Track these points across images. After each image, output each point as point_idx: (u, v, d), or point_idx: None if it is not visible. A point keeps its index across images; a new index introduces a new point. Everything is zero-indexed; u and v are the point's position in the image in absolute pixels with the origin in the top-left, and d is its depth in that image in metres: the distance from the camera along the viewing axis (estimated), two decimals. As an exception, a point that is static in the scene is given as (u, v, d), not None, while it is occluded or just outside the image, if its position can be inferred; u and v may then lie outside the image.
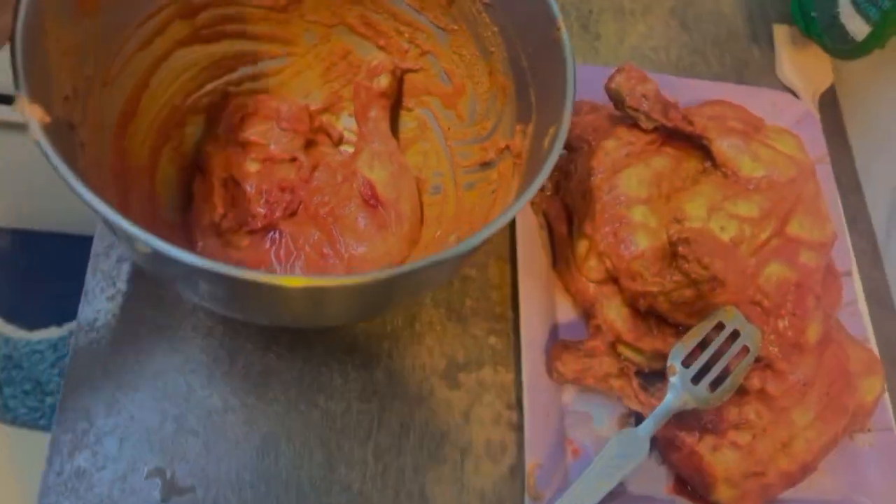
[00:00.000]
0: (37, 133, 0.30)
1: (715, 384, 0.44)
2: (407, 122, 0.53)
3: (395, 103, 0.53)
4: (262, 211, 0.48)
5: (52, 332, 1.22)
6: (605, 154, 0.50)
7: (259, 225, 0.48)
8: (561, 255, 0.51)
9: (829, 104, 0.66)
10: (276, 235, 0.49)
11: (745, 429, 0.45)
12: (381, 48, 0.51)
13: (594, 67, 0.60)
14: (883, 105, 0.62)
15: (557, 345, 0.48)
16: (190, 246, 0.46)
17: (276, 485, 0.44)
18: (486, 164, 0.47)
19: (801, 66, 0.66)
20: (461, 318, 0.51)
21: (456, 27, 0.47)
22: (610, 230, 0.46)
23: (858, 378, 0.48)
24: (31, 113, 0.31)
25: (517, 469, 0.47)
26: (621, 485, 0.47)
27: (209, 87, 0.50)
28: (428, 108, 0.52)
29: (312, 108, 0.52)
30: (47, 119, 0.31)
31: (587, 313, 0.49)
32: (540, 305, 0.50)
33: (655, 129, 0.51)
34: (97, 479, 0.42)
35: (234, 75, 0.51)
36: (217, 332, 0.47)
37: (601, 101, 0.54)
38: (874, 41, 0.54)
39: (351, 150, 0.53)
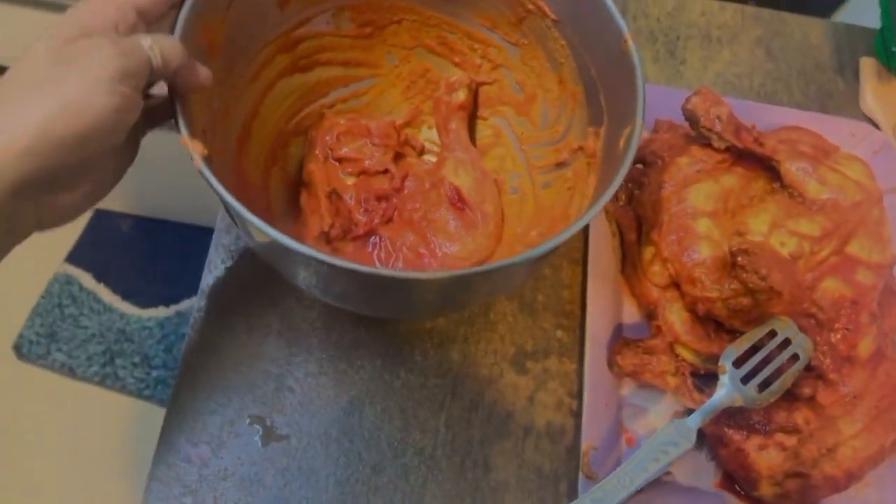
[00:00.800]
0: (199, 165, 0.37)
1: (763, 387, 0.47)
2: (483, 129, 0.58)
3: (472, 114, 0.58)
4: (362, 219, 0.54)
5: (161, 312, 1.33)
6: (677, 169, 0.54)
7: (361, 231, 0.54)
8: (629, 261, 0.55)
9: (912, 137, 0.68)
10: (377, 240, 0.54)
11: (792, 432, 0.48)
12: (457, 65, 0.56)
13: (675, 90, 0.64)
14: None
15: (619, 341, 0.52)
16: None
17: (358, 441, 0.50)
18: (560, 164, 0.52)
19: (885, 98, 0.68)
20: (532, 311, 0.56)
21: (526, 41, 0.52)
22: (675, 238, 0.50)
23: (912, 397, 0.50)
24: (193, 148, 0.37)
25: (574, 451, 0.51)
26: (671, 475, 0.50)
27: (307, 110, 0.56)
28: (503, 117, 0.57)
29: (397, 122, 0.58)
30: (206, 152, 0.38)
31: (650, 315, 0.53)
32: (605, 304, 0.54)
33: (727, 150, 0.54)
34: (210, 420, 0.50)
35: (328, 98, 0.57)
36: (317, 306, 0.54)
37: (678, 122, 0.58)
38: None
39: (433, 159, 0.58)
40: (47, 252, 1.34)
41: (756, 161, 0.54)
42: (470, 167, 0.54)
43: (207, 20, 0.42)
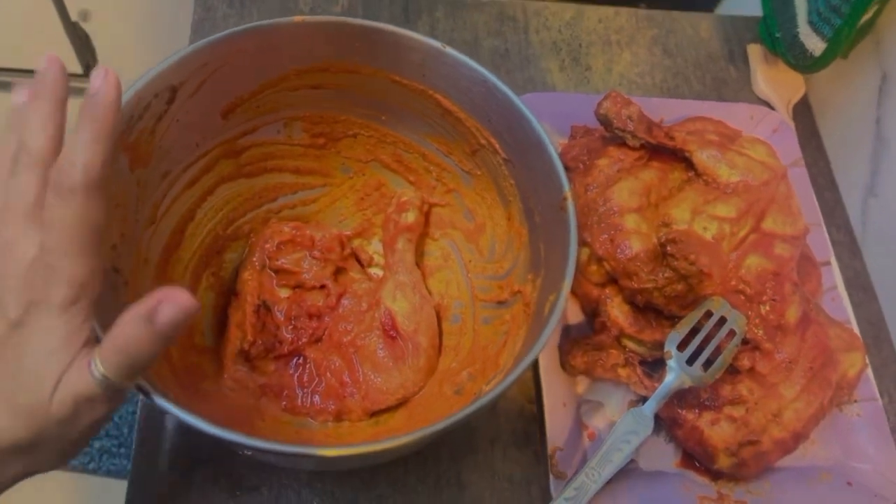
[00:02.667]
0: None
1: (707, 365, 0.50)
2: (433, 250, 0.57)
3: (422, 233, 0.56)
4: (289, 337, 0.51)
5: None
6: (598, 171, 0.57)
7: (285, 350, 0.51)
8: (566, 263, 0.57)
9: (804, 113, 0.73)
10: (301, 361, 0.52)
11: (738, 403, 0.51)
12: (412, 183, 0.56)
13: (585, 95, 0.67)
14: (850, 110, 0.68)
15: (568, 342, 0.54)
16: (221, 370, 0.49)
17: (329, 482, 0.50)
18: (501, 303, 0.51)
19: (775, 80, 0.73)
20: (482, 325, 0.57)
21: (479, 172, 0.51)
22: (607, 237, 0.53)
23: (840, 354, 0.54)
24: None
25: (541, 455, 0.53)
26: (633, 462, 0.53)
27: (250, 214, 0.54)
28: (452, 240, 0.56)
29: (346, 233, 0.56)
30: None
31: (593, 313, 0.55)
32: (551, 309, 0.56)
33: (642, 147, 0.57)
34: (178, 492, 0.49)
35: (275, 204, 0.55)
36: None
37: (593, 125, 0.61)
38: (830, 55, 0.60)
39: (379, 273, 0.57)
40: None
41: (670, 154, 0.58)
42: (409, 292, 0.52)
43: (129, 135, 0.41)
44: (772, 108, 0.71)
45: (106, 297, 0.37)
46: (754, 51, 0.75)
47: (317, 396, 0.51)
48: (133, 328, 0.31)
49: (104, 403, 0.33)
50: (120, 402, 0.33)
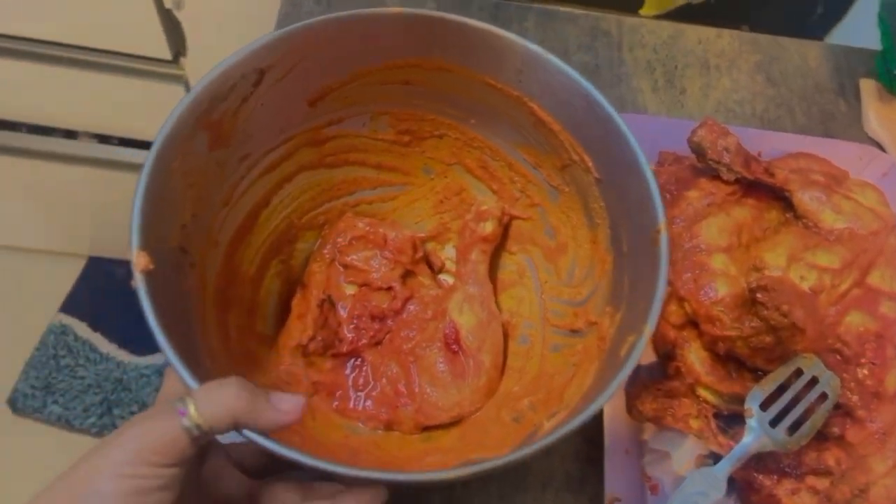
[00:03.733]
0: (137, 280, 0.34)
1: (793, 428, 0.45)
2: (508, 264, 0.54)
3: (499, 245, 0.54)
4: (349, 336, 0.50)
5: (158, 359, 1.31)
6: (686, 203, 0.52)
7: (344, 350, 0.50)
8: (642, 299, 0.54)
9: (919, 157, 0.67)
10: (358, 362, 0.50)
11: (823, 474, 0.46)
12: (494, 192, 0.53)
13: (677, 120, 0.63)
14: (974, 159, 0.62)
15: (637, 385, 0.50)
16: (277, 361, 0.48)
17: None
18: (574, 332, 0.48)
19: (889, 119, 0.67)
20: (545, 355, 0.54)
21: (567, 189, 0.48)
22: (690, 276, 0.49)
23: (944, 430, 0.49)
24: (135, 260, 0.34)
25: (596, 501, 0.49)
26: (699, 524, 0.48)
27: (326, 206, 0.53)
28: (530, 257, 0.53)
29: (421, 235, 0.54)
30: (150, 267, 0.34)
31: (667, 356, 0.51)
32: (621, 346, 0.52)
33: (737, 181, 0.53)
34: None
35: (352, 198, 0.53)
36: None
37: (683, 153, 0.57)
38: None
39: (450, 280, 0.54)
40: (41, 303, 1.32)
41: (767, 191, 0.53)
42: (478, 306, 0.50)
43: (213, 114, 0.40)
44: (883, 149, 0.65)
45: (170, 277, 0.37)
46: (867, 86, 0.69)
47: (370, 401, 0.49)
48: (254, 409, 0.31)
49: (161, 475, 0.30)
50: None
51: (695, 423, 0.49)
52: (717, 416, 0.49)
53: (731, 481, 0.48)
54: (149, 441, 0.29)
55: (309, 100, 0.46)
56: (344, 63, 0.45)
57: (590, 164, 0.44)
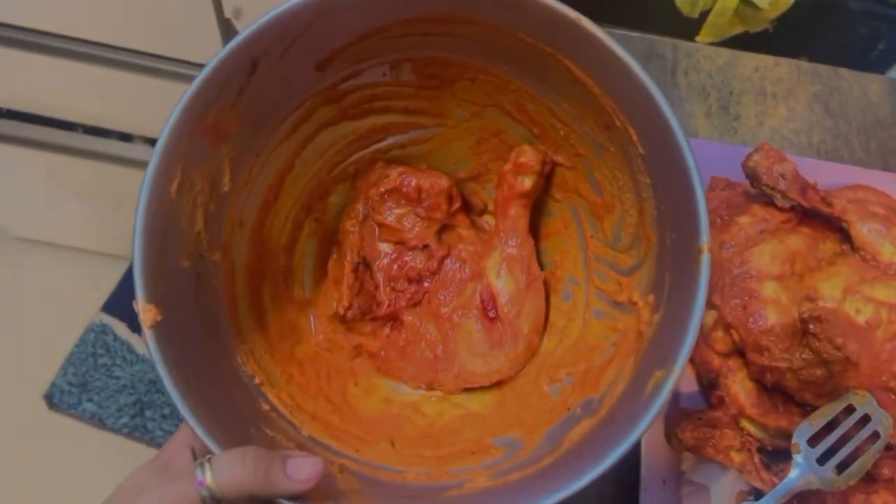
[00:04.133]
0: (147, 337, 0.34)
1: (841, 468, 0.43)
2: (553, 211, 0.52)
3: (542, 193, 0.51)
4: (386, 300, 0.50)
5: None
6: (738, 229, 0.51)
7: (381, 313, 0.50)
8: (687, 325, 0.52)
9: (984, 197, 0.64)
10: (397, 324, 0.50)
11: (873, 519, 0.44)
12: (536, 136, 0.49)
13: (730, 146, 0.61)
14: None
15: (678, 412, 0.49)
16: (317, 329, 0.48)
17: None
18: (617, 304, 0.45)
19: (953, 156, 0.65)
20: (583, 376, 0.53)
21: (613, 149, 0.44)
22: (739, 303, 0.47)
23: None
24: (143, 316, 0.34)
25: (630, 531, 0.47)
26: (737, 562, 0.46)
27: (356, 156, 0.50)
28: (575, 207, 0.50)
29: (459, 175, 0.52)
30: (159, 319, 0.34)
31: (710, 384, 0.50)
32: (662, 372, 0.51)
33: (791, 209, 0.51)
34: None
35: (383, 144, 0.51)
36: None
37: (736, 179, 0.55)
38: None
39: (492, 221, 0.52)
40: (84, 301, 1.35)
41: (823, 221, 0.51)
42: (517, 268, 0.49)
43: (207, 118, 0.38)
44: (946, 187, 0.63)
45: (187, 288, 0.37)
46: (932, 121, 0.67)
47: (411, 369, 0.49)
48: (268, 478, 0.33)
49: None
50: None
51: (737, 457, 0.47)
52: (760, 450, 0.47)
53: (774, 519, 0.46)
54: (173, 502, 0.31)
55: (316, 65, 0.43)
56: (345, 27, 0.42)
57: (634, 136, 0.40)
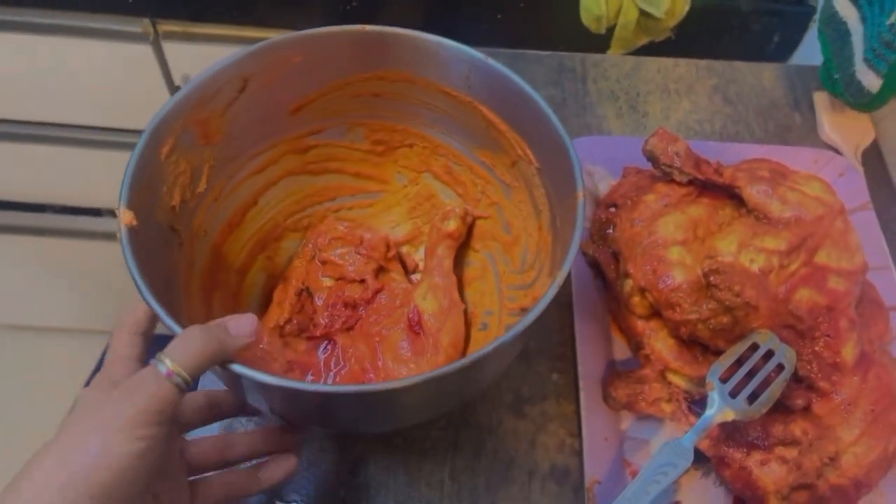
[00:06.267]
0: (121, 234, 0.39)
1: (753, 400, 0.48)
2: (473, 261, 0.59)
3: (465, 244, 0.59)
4: (323, 322, 0.55)
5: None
6: (645, 206, 0.57)
7: (318, 333, 0.55)
8: (611, 298, 0.57)
9: (875, 159, 0.70)
10: (330, 345, 0.55)
11: (791, 444, 0.48)
12: (459, 195, 0.58)
13: (640, 139, 0.67)
14: (922, 153, 0.66)
15: (611, 373, 0.53)
16: (256, 339, 0.53)
17: (364, 500, 0.51)
18: (524, 310, 0.51)
19: (842, 126, 0.71)
20: (526, 357, 0.57)
21: (517, 185, 0.53)
22: (650, 268, 0.52)
23: (908, 399, 0.51)
24: (121, 216, 0.39)
25: (580, 490, 0.51)
26: (679, 503, 0.50)
27: (310, 210, 0.58)
28: (491, 252, 0.57)
29: (396, 238, 0.60)
30: (134, 223, 0.39)
31: (638, 346, 0.54)
32: (595, 342, 0.56)
33: (691, 183, 0.57)
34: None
35: (333, 203, 0.59)
36: (316, 373, 0.56)
37: (646, 167, 0.61)
38: (887, 91, 0.59)
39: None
40: (67, 379, 1.36)
41: (721, 191, 0.57)
42: (441, 294, 0.54)
43: (201, 112, 0.46)
44: (839, 153, 0.69)
45: (158, 247, 0.42)
46: (821, 98, 0.73)
47: (339, 379, 0.53)
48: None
49: (163, 433, 0.34)
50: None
51: (667, 407, 0.52)
52: (688, 399, 0.52)
53: (706, 458, 0.50)
54: (150, 403, 0.33)
55: (290, 109, 0.52)
56: (318, 76, 0.51)
57: (531, 156, 0.49)
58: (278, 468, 0.43)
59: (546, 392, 0.56)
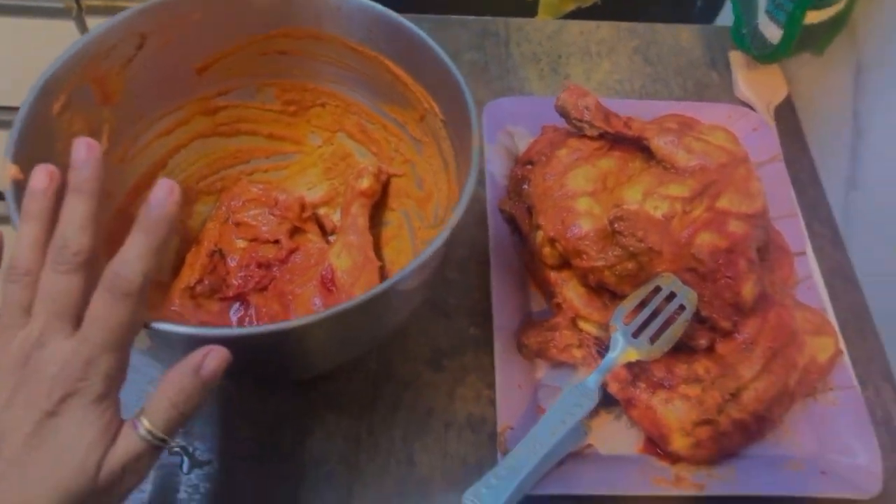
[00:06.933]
0: (6, 188, 0.38)
1: (656, 340, 0.49)
2: (391, 220, 0.59)
3: (381, 202, 0.59)
4: (236, 283, 0.55)
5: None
6: (558, 161, 0.57)
7: (231, 294, 0.54)
8: (527, 251, 0.58)
9: (788, 114, 0.72)
10: (243, 306, 0.54)
11: (694, 382, 0.50)
12: (374, 154, 0.58)
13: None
14: (829, 106, 0.68)
15: (524, 323, 0.54)
16: (168, 301, 0.52)
17: (281, 457, 0.51)
18: None
19: (756, 83, 0.73)
20: (445, 313, 0.58)
21: (427, 140, 0.53)
22: (559, 219, 0.53)
23: (807, 336, 0.52)
24: (6, 170, 0.38)
25: (495, 437, 0.52)
26: (592, 447, 0.52)
27: (224, 173, 0.58)
28: (406, 210, 0.58)
29: (313, 199, 0.59)
30: (20, 176, 0.38)
31: (550, 296, 0.55)
32: (510, 294, 0.56)
33: (602, 137, 0.58)
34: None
35: (248, 166, 0.59)
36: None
37: (563, 126, 0.62)
38: (787, 42, 0.61)
39: None
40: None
41: (632, 144, 0.58)
42: (356, 252, 0.54)
43: (97, 69, 0.45)
44: (754, 109, 0.71)
45: (57, 209, 0.39)
46: (736, 57, 0.75)
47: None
48: (184, 382, 0.35)
49: (148, 460, 0.35)
50: (157, 459, 0.36)
51: (578, 353, 0.53)
52: (599, 345, 0.53)
53: (616, 401, 0.51)
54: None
55: (195, 69, 0.52)
56: (221, 34, 0.51)
57: (436, 108, 0.50)
58: (213, 358, 0.36)
59: (465, 346, 0.56)
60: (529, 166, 0.60)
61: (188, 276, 0.53)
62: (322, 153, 0.60)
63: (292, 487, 0.50)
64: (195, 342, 0.36)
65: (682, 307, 0.50)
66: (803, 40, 0.64)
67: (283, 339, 0.38)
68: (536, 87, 0.73)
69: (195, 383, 0.35)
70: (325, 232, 0.60)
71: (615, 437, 0.52)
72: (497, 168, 0.63)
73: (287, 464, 0.51)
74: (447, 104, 0.49)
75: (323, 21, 0.51)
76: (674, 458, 0.50)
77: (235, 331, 0.36)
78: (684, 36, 0.78)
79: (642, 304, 0.50)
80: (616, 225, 0.51)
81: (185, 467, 0.50)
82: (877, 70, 0.61)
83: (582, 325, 0.53)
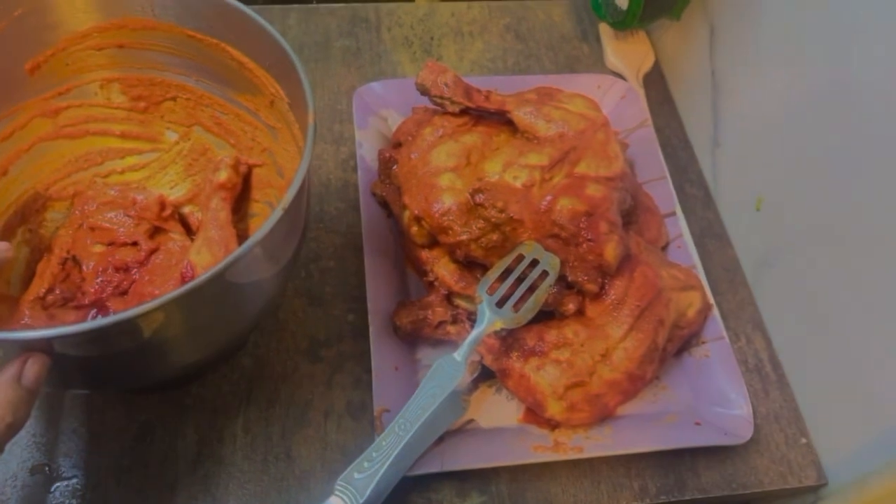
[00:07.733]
0: None
1: (520, 308, 0.49)
2: (256, 211, 0.57)
3: (246, 195, 0.56)
4: (92, 289, 0.52)
5: None
6: (422, 139, 0.57)
7: (86, 301, 0.52)
8: (400, 233, 0.57)
9: (657, 81, 0.74)
10: (101, 312, 0.52)
11: (563, 347, 0.50)
12: (233, 146, 0.56)
13: (429, 80, 0.68)
14: (690, 68, 0.69)
15: (398, 304, 0.54)
16: (18, 315, 0.50)
17: (152, 465, 0.49)
18: None
19: (625, 52, 0.74)
20: (322, 302, 0.57)
21: (280, 125, 0.51)
22: (422, 196, 0.53)
23: (674, 293, 0.53)
24: None
25: (376, 422, 0.51)
26: (473, 422, 0.51)
27: (75, 177, 0.55)
28: (269, 200, 0.55)
29: (176, 198, 0.57)
30: None
31: (423, 275, 0.55)
32: (386, 279, 0.56)
33: (466, 113, 0.58)
34: (-6, 481, 0.48)
35: (102, 168, 0.56)
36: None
37: (433, 106, 0.62)
38: (634, 7, 0.62)
39: None
40: None
41: (497, 119, 0.58)
42: (216, 247, 0.52)
43: None
44: (624, 78, 0.72)
45: None
46: (605, 28, 0.76)
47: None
48: (7, 395, 0.34)
49: None
50: None
51: (452, 329, 0.52)
52: (473, 320, 0.53)
53: (492, 373, 0.51)
54: None
55: (27, 69, 0.49)
56: (49, 30, 0.48)
57: (281, 91, 0.48)
58: (33, 363, 0.35)
59: (342, 333, 0.56)
60: (398, 147, 0.60)
61: (38, 286, 0.51)
62: (180, 149, 0.58)
63: (167, 493, 0.48)
64: (20, 347, 0.35)
65: (545, 273, 0.50)
66: (658, 6, 0.65)
67: (107, 335, 0.36)
68: (409, 70, 0.73)
69: (19, 393, 0.34)
70: (190, 231, 0.58)
71: (497, 410, 0.52)
72: (369, 152, 0.62)
73: (160, 471, 0.49)
74: (289, 87, 0.48)
75: (158, 8, 0.49)
76: (552, 424, 0.51)
77: (56, 330, 0.34)
78: (555, 11, 0.79)
79: (508, 274, 0.50)
80: (476, 197, 0.50)
81: (44, 487, 0.48)
82: (727, 29, 0.63)
83: (457, 301, 0.53)
